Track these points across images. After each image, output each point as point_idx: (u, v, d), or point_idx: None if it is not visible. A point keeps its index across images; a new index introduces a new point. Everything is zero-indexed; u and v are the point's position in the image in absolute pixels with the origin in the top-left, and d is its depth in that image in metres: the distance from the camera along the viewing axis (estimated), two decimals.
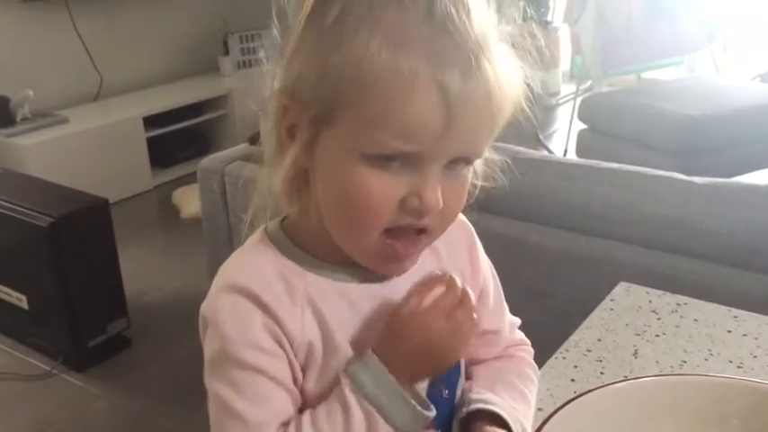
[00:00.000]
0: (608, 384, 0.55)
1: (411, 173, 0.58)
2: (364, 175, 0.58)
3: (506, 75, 0.60)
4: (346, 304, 0.65)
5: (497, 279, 0.78)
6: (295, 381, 0.64)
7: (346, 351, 0.64)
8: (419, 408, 0.62)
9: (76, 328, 2.33)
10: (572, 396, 0.60)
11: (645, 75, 5.16)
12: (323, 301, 0.65)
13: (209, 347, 0.65)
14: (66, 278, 2.29)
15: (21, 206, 2.32)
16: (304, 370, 0.64)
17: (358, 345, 0.65)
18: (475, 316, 0.63)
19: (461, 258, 0.73)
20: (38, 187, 2.61)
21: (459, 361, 0.72)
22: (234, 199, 2.26)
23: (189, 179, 3.72)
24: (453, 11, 0.57)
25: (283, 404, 0.63)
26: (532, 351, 0.81)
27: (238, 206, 2.26)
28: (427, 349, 0.62)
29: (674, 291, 1.40)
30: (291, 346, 0.63)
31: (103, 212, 2.40)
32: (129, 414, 2.21)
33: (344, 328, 0.65)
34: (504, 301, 0.79)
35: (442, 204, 0.59)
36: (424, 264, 0.67)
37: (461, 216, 0.72)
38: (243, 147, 2.43)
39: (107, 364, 2.39)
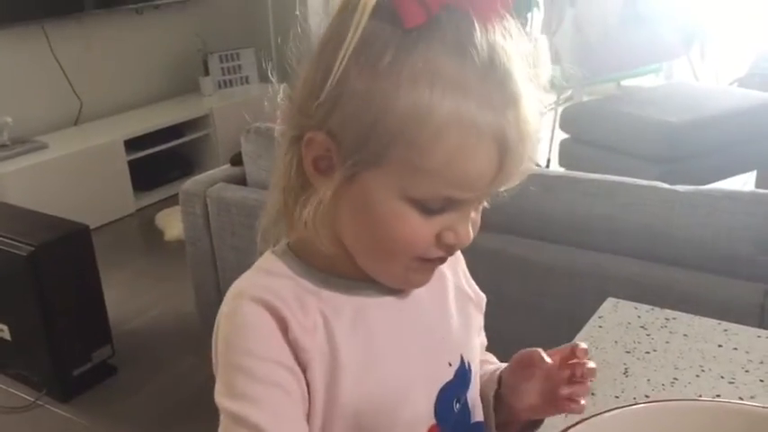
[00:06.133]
0: (602, 413, 0.53)
1: (450, 212, 0.61)
2: (406, 214, 0.60)
3: (538, 118, 0.61)
4: (360, 319, 0.66)
5: None
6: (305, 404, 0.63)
7: (347, 370, 0.64)
8: None
9: (60, 357, 2.30)
10: (564, 425, 0.59)
11: (624, 83, 5.20)
12: (336, 317, 0.65)
13: (223, 359, 0.63)
14: (49, 307, 2.25)
15: (0, 235, 2.28)
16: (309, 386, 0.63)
17: (362, 362, 0.64)
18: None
19: (460, 278, 0.76)
20: (17, 215, 2.57)
21: (471, 375, 0.72)
22: (217, 221, 2.24)
23: (172, 201, 3.70)
24: (507, 62, 0.58)
25: (295, 413, 0.61)
26: None
27: (221, 228, 2.24)
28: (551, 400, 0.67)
29: (659, 300, 1.39)
30: (301, 361, 0.62)
31: (85, 239, 2.37)
32: None
33: (351, 346, 0.64)
34: None
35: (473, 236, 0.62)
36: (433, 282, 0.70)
37: None
38: (225, 168, 2.42)
39: (92, 393, 2.36)
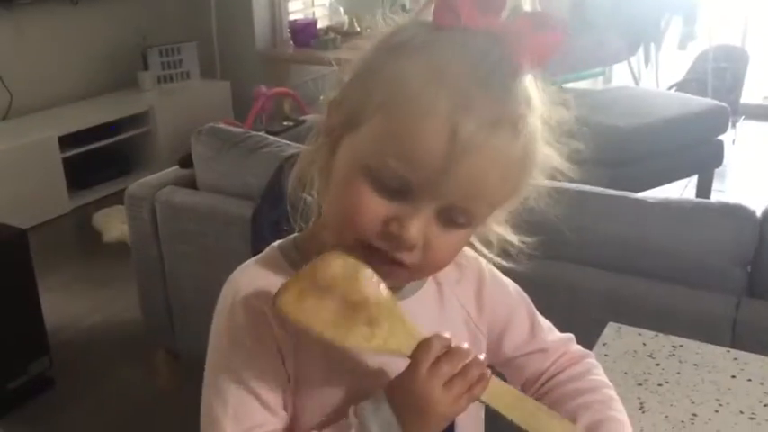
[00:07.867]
0: None
1: (403, 203, 0.60)
2: (361, 188, 0.60)
3: (530, 155, 0.62)
4: None
5: (530, 304, 0.79)
6: (285, 404, 0.66)
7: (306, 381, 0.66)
8: None
9: None
10: None
11: (566, 86, 5.26)
12: None
13: (213, 338, 0.68)
14: None
15: None
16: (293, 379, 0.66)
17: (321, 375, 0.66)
18: (475, 390, 0.63)
19: (466, 293, 0.75)
20: None
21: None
22: (166, 226, 2.13)
23: (109, 201, 3.55)
24: (501, 72, 0.59)
25: (262, 419, 0.65)
26: (595, 363, 0.80)
27: (170, 234, 2.13)
28: (425, 413, 0.62)
29: (630, 313, 1.36)
30: (285, 362, 0.65)
31: (20, 244, 2.23)
32: None
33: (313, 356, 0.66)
34: (538, 321, 0.79)
35: (421, 243, 0.60)
36: (426, 294, 0.70)
37: (471, 252, 0.74)
38: (173, 170, 2.30)
39: (29, 408, 2.22)
